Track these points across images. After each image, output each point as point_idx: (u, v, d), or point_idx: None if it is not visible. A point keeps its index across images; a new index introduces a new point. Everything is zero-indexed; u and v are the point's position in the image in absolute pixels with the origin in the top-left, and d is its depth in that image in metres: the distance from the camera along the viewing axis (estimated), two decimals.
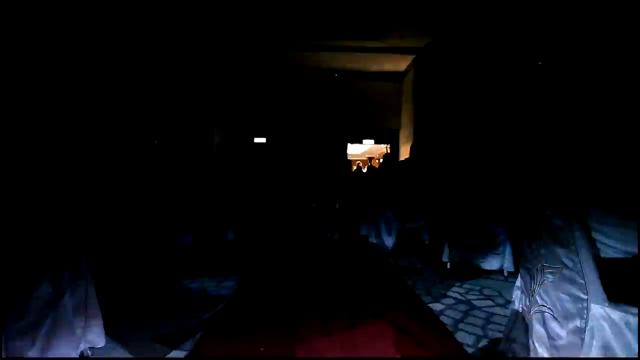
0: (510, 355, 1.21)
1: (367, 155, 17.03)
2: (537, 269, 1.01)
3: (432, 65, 9.00)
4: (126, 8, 4.72)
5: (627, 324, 0.81)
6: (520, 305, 1.13)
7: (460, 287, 2.33)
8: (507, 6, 4.42)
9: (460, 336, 1.59)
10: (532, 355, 1.03)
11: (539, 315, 0.98)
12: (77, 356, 1.10)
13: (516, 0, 4.08)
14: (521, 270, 1.14)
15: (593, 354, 0.83)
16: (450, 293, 2.20)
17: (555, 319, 0.93)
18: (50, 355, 0.99)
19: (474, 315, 1.83)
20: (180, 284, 2.31)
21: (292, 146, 10.67)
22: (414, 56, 10.08)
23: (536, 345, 0.99)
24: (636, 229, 0.79)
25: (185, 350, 1.41)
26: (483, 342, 1.54)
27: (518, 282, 1.17)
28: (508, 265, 2.57)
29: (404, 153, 7.84)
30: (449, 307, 1.96)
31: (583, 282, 0.85)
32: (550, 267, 0.95)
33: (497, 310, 1.91)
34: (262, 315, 1.78)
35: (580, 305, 0.86)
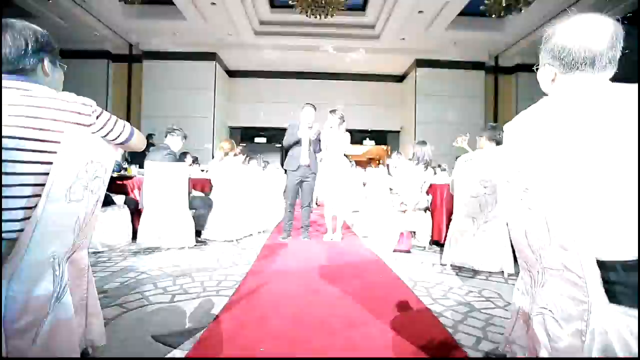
0: (509, 357, 1.21)
1: (367, 157, 17.02)
2: (537, 271, 1.01)
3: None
4: None
5: (627, 326, 0.81)
6: (520, 307, 1.13)
7: (460, 288, 2.34)
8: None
9: (460, 337, 1.59)
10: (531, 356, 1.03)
11: (539, 317, 0.98)
12: (78, 355, 1.10)
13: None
14: (521, 272, 1.14)
15: (593, 356, 0.83)
16: (450, 295, 2.21)
17: (556, 320, 0.93)
18: (50, 354, 0.99)
19: (473, 317, 1.83)
20: None
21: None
22: (415, 57, 10.08)
23: (536, 347, 0.99)
24: None
25: (185, 350, 1.41)
26: (483, 344, 1.54)
27: (518, 284, 1.17)
28: (508, 267, 2.58)
29: (406, 154, 7.83)
30: (449, 308, 1.96)
31: (584, 284, 0.85)
32: (550, 269, 0.95)
33: (497, 312, 1.91)
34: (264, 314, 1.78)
35: (581, 308, 0.86)
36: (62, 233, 1.03)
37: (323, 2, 6.14)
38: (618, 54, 0.92)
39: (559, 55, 0.96)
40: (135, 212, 3.53)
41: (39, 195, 0.94)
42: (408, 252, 3.43)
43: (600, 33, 0.91)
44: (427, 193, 3.75)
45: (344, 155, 4.06)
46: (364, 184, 5.25)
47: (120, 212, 3.43)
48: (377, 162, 15.14)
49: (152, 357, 1.37)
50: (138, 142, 1.30)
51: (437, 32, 8.30)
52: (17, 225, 0.95)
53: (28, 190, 0.97)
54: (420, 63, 9.94)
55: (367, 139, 13.11)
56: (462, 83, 9.89)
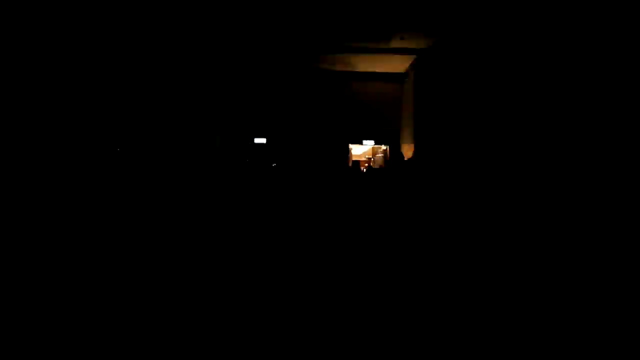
0: None
1: (367, 156, 17.02)
2: None
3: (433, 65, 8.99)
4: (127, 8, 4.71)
5: None
6: None
7: None
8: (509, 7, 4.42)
9: None
10: None
11: None
12: None
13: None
14: None
15: None
16: None
17: None
18: None
19: None
20: None
21: (292, 147, 10.67)
22: (415, 57, 10.09)
23: None
24: None
25: None
26: None
27: None
28: None
29: (406, 154, 7.84)
30: None
31: None
32: None
33: None
34: None
35: None
36: None
37: None
38: None
39: None
40: None
41: None
42: None
43: None
44: None
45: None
46: None
47: None
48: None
49: None
50: None
51: (436, 32, 8.27)
52: None
53: None
54: (420, 63, 9.91)
55: (367, 138, 13.05)
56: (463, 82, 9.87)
